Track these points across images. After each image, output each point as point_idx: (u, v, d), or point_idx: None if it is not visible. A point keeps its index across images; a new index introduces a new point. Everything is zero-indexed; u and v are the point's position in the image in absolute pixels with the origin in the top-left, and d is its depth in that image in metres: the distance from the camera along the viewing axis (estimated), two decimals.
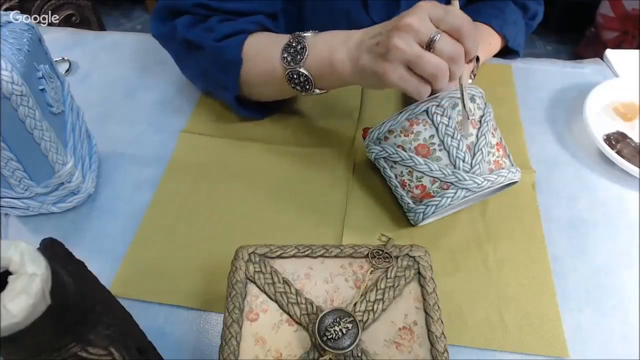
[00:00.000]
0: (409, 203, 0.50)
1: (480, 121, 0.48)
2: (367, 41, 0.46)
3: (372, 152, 0.52)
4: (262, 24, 0.57)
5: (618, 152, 0.58)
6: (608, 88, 0.66)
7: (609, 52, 0.75)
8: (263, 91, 0.59)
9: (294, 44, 0.51)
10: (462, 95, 0.46)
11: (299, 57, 0.51)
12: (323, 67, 0.50)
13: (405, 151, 0.48)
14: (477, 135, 0.47)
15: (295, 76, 0.52)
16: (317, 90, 0.53)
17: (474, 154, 0.46)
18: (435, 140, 0.47)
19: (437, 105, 0.47)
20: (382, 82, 0.45)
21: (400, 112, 0.49)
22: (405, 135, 0.48)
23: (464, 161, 0.46)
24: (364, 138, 0.53)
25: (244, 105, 0.61)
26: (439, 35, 0.42)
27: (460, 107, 0.47)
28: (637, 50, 0.75)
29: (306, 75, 0.51)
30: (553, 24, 1.92)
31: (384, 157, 0.51)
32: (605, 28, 1.67)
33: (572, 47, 1.95)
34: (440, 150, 0.47)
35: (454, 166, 0.46)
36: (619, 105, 0.65)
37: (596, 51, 1.65)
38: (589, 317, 0.47)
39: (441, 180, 0.47)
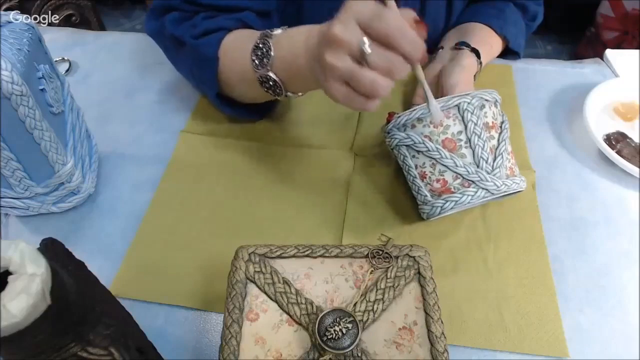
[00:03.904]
0: (426, 196, 0.49)
1: (501, 127, 0.49)
2: (314, 50, 0.41)
3: (395, 139, 0.50)
4: (244, 21, 0.55)
5: (618, 152, 0.58)
6: (608, 88, 0.66)
7: (609, 52, 0.75)
8: (240, 92, 0.57)
9: (260, 45, 0.48)
10: (425, 91, 0.44)
11: (265, 60, 0.47)
12: (290, 71, 0.47)
13: (433, 142, 0.47)
14: (498, 140, 0.48)
15: (265, 80, 0.49)
16: (290, 94, 0.50)
17: (495, 157, 0.47)
18: (463, 137, 0.47)
19: (469, 103, 0.47)
20: (329, 96, 0.41)
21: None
22: (434, 127, 0.47)
23: (487, 162, 0.46)
24: (388, 122, 0.51)
25: (230, 103, 0.59)
26: (369, 47, 0.37)
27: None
28: (637, 50, 0.75)
29: (274, 80, 0.48)
30: (553, 24, 1.91)
31: (407, 145, 0.49)
32: (605, 28, 1.67)
33: (572, 47, 1.95)
34: (466, 147, 0.47)
35: (477, 165, 0.46)
36: (619, 105, 0.65)
37: (596, 51, 1.66)
38: (589, 317, 0.47)
39: (463, 177, 0.47)
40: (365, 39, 0.37)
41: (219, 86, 0.56)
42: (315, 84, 0.44)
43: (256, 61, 0.48)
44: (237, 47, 0.53)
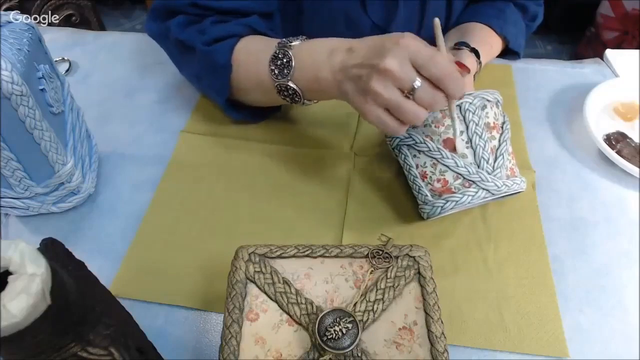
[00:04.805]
0: (426, 195, 0.49)
1: (502, 127, 0.49)
2: (350, 70, 0.44)
3: (396, 138, 0.51)
4: (254, 27, 0.56)
5: (618, 152, 0.58)
6: (608, 88, 0.66)
7: (609, 52, 0.75)
8: (254, 98, 0.58)
9: (280, 56, 0.50)
10: (453, 123, 0.45)
11: (285, 70, 0.50)
12: (310, 82, 0.49)
13: (434, 142, 0.48)
14: (499, 140, 0.48)
15: (283, 88, 0.51)
16: (307, 102, 0.52)
17: (496, 158, 0.47)
18: (464, 137, 0.47)
19: (471, 103, 0.47)
20: (361, 115, 0.45)
21: None
22: (436, 126, 0.48)
23: (487, 162, 0.47)
24: None
25: (238, 108, 0.60)
26: (420, 84, 0.41)
27: (455, 124, 0.46)
28: (637, 50, 0.75)
29: (294, 89, 0.50)
30: (553, 24, 1.92)
31: (408, 145, 0.50)
32: (605, 28, 1.67)
33: (572, 47, 1.95)
34: (467, 147, 0.47)
35: (478, 166, 0.47)
36: (619, 105, 0.65)
37: (596, 51, 1.66)
38: (589, 317, 0.47)
39: (464, 178, 0.47)
40: (418, 78, 0.41)
41: (230, 92, 0.57)
42: (337, 96, 0.48)
43: (275, 71, 0.50)
44: (251, 55, 0.54)
